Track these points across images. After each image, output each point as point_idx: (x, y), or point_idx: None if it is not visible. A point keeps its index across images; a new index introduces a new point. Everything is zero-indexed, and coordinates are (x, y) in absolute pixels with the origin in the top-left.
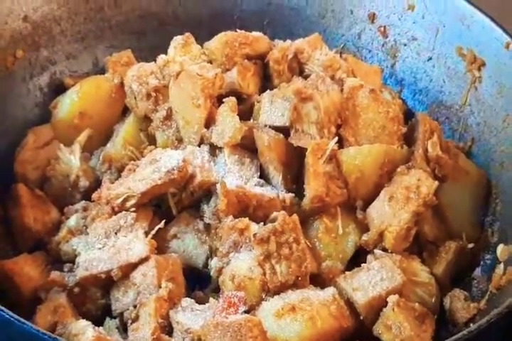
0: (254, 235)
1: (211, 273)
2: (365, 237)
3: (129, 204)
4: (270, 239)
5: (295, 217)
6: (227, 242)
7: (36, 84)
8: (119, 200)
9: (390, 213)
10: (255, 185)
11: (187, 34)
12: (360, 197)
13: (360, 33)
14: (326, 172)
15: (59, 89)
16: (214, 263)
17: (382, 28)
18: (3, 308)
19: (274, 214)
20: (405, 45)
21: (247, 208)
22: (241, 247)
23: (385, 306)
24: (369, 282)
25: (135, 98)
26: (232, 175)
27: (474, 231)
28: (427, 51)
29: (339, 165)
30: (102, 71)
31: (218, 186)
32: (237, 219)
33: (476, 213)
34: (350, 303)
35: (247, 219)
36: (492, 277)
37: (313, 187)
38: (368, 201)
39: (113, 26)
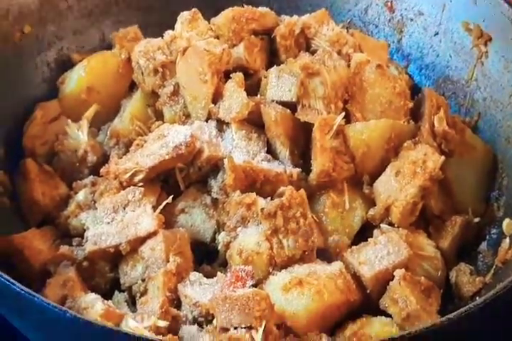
0: (262, 210)
1: (219, 248)
2: (371, 212)
3: (137, 179)
4: (277, 213)
5: (302, 191)
6: (235, 217)
7: (44, 59)
8: (127, 175)
9: (397, 188)
10: (262, 160)
11: (194, 9)
12: (366, 172)
13: (366, 8)
14: (332, 147)
15: (66, 64)
16: (221, 238)
17: (388, 3)
18: (13, 281)
19: (282, 188)
20: (412, 20)
21: (254, 183)
22: (248, 222)
23: (392, 280)
24: (375, 256)
25: (142, 73)
26: (240, 150)
27: (480, 206)
28: (434, 26)
29: (346, 140)
30: (109, 47)
31: (225, 161)
32: (244, 194)
33: (482, 188)
34: (356, 277)
35: (254, 193)
36: (498, 251)
37: (320, 162)
38: (375, 176)
39: (120, 2)
